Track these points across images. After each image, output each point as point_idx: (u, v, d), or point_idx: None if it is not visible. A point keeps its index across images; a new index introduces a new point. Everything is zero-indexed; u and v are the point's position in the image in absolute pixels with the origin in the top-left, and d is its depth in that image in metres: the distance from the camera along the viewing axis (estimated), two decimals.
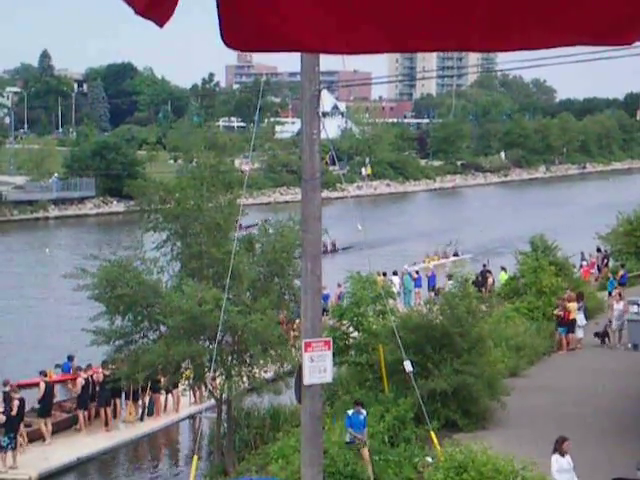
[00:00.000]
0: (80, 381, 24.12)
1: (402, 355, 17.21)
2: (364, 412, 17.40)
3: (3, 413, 20.77)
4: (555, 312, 28.02)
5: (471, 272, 27.60)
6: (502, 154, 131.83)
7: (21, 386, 24.97)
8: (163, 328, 19.70)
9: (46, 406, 22.97)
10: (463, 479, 14.05)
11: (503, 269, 37.06)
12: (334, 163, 70.78)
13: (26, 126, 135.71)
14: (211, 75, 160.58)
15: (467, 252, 50.89)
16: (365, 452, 16.77)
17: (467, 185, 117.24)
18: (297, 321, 21.66)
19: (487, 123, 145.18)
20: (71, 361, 26.71)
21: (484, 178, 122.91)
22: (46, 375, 23.50)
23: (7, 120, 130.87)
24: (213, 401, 21.06)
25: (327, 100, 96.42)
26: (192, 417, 25.38)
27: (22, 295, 42.63)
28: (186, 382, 21.74)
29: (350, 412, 17.31)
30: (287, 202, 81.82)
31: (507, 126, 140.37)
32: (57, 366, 27.79)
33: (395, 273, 37.74)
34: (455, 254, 39.34)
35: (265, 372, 20.44)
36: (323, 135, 14.91)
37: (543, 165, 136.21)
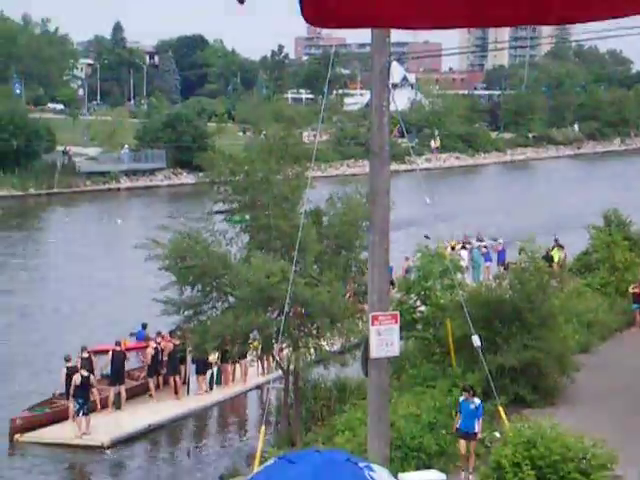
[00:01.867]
0: (150, 350, 24.53)
1: (470, 330, 17.05)
2: (477, 401, 16.46)
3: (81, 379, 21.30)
4: (630, 289, 27.53)
5: (542, 247, 27.18)
6: (575, 126, 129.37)
7: (97, 352, 25.51)
8: (231, 299, 19.84)
9: (117, 374, 23.40)
10: (531, 455, 13.91)
11: (560, 246, 35.88)
12: (403, 135, 70.12)
13: (99, 98, 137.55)
14: (280, 47, 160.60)
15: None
16: (473, 445, 16.26)
17: (539, 158, 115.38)
18: (364, 294, 21.64)
19: (560, 95, 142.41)
20: (145, 329, 27.13)
21: (556, 151, 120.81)
22: (119, 344, 23.91)
23: (80, 92, 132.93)
24: (280, 372, 21.19)
25: (397, 72, 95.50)
26: (259, 388, 25.62)
27: (97, 266, 43.38)
28: (254, 353, 21.92)
29: (461, 398, 16.63)
30: (355, 175, 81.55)
31: (581, 98, 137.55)
32: (132, 334, 28.34)
33: (464, 247, 37.40)
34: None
35: (332, 344, 20.48)
36: (392, 107, 14.78)
37: (618, 138, 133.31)
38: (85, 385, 21.45)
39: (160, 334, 24.87)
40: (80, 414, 21.36)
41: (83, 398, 21.40)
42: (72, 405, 21.92)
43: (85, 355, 22.60)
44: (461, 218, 56.59)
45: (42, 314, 33.99)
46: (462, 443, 16.36)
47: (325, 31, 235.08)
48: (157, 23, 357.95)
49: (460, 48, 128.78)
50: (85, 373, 21.58)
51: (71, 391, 21.84)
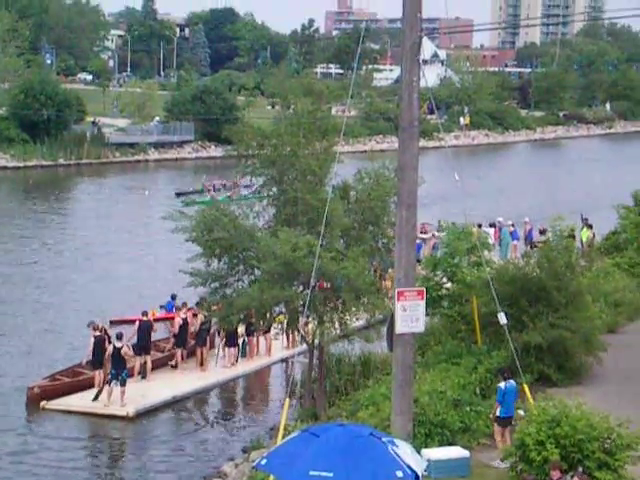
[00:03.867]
0: (178, 320, 24.65)
1: (497, 307, 16.97)
2: (512, 382, 16.20)
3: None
4: None
5: (569, 226, 26.97)
6: (607, 105, 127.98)
7: (124, 322, 25.64)
8: (257, 272, 19.86)
9: (143, 344, 23.55)
10: (556, 433, 13.85)
11: (589, 226, 35.41)
12: (432, 112, 69.72)
13: (129, 69, 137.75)
14: (311, 21, 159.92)
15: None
16: (510, 430, 15.88)
17: (569, 137, 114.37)
18: (390, 270, 21.59)
19: (592, 73, 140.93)
20: (174, 300, 27.25)
21: (587, 130, 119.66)
22: (146, 314, 24.07)
23: (111, 63, 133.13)
24: (305, 346, 21.24)
25: (427, 47, 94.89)
26: (284, 361, 25.70)
27: (126, 237, 43.62)
28: (279, 326, 21.98)
29: (502, 385, 16.13)
30: (383, 151, 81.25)
31: (613, 77, 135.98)
32: (161, 307, 28.50)
33: (492, 225, 37.22)
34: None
35: (357, 319, 20.48)
36: (422, 83, 14.65)
37: None
38: (118, 355, 21.60)
39: (185, 305, 24.99)
40: (113, 384, 21.52)
41: (116, 368, 21.56)
42: (98, 374, 22.13)
43: (107, 326, 22.76)
44: (489, 195, 56.28)
45: (71, 285, 34.25)
46: (500, 430, 16.21)
47: (356, 5, 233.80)
48: None
49: (492, 24, 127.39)
50: (118, 344, 21.73)
51: (105, 360, 22.03)
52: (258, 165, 20.89)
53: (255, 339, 25.66)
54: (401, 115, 14.68)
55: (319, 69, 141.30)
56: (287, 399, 16.44)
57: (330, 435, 11.38)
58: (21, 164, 68.74)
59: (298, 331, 20.95)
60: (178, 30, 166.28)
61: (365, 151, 79.56)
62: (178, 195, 53.94)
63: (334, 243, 19.53)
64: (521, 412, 16.40)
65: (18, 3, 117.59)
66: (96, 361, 22.32)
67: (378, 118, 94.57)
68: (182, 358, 24.54)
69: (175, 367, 24.41)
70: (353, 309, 19.74)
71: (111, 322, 26.65)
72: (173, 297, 27.40)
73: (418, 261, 19.59)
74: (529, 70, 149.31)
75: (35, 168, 68.31)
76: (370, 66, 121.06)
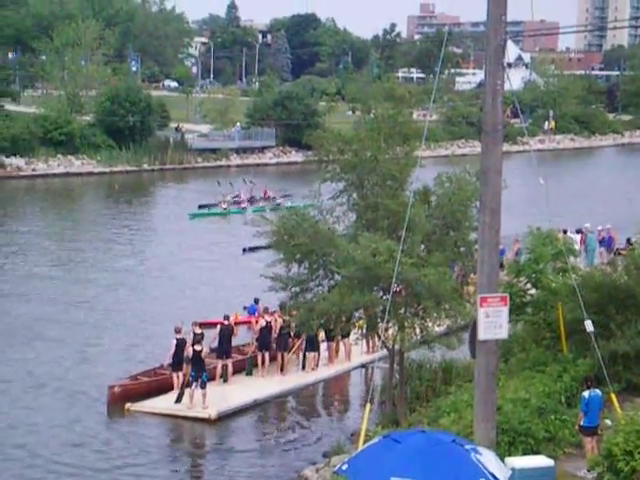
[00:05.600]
0: (260, 325, 24.76)
1: (583, 314, 16.59)
2: (597, 391, 15.77)
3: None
4: None
5: None
6: None
7: (206, 325, 25.94)
8: (338, 277, 19.82)
9: (224, 347, 23.73)
10: None
11: None
12: (516, 116, 69.01)
13: (212, 76, 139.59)
14: (393, 25, 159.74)
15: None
16: (597, 439, 15.50)
17: None
18: (472, 275, 21.32)
19: None
20: (257, 304, 27.41)
21: None
22: (228, 318, 24.24)
23: (194, 70, 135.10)
24: (385, 351, 21.11)
25: (511, 51, 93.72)
26: (364, 366, 25.61)
27: (206, 242, 44.14)
28: (359, 331, 21.90)
29: (586, 394, 15.71)
30: (464, 155, 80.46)
31: None
32: (245, 308, 28.74)
33: (579, 231, 36.58)
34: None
35: (438, 325, 20.27)
36: (506, 86, 14.44)
37: None
38: (198, 358, 21.82)
39: (267, 310, 25.09)
40: (193, 386, 21.74)
41: (196, 371, 21.78)
42: (177, 376, 22.39)
43: (197, 330, 22.98)
44: (575, 201, 55.26)
45: (155, 285, 34.79)
46: (589, 440, 15.82)
47: (439, 9, 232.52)
48: (270, 2, 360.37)
49: (578, 27, 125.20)
50: (198, 347, 21.94)
51: (185, 363, 22.27)
52: (338, 170, 20.85)
53: (335, 344, 25.64)
54: (485, 119, 14.48)
55: (400, 73, 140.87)
56: (368, 404, 16.33)
57: (412, 441, 11.27)
58: (107, 169, 70.23)
59: (378, 336, 20.84)
60: (260, 36, 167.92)
61: (446, 155, 78.78)
62: (200, 208, 52.58)
63: (415, 248, 19.36)
64: (608, 422, 16.02)
65: (105, 12, 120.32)
66: (176, 363, 22.58)
67: (460, 122, 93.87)
68: (263, 362, 24.64)
69: (255, 368, 24.43)
70: (434, 315, 19.54)
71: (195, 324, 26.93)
72: (256, 301, 27.55)
73: (501, 266, 19.30)
74: (617, 73, 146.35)
75: (120, 173, 69.70)
76: (452, 70, 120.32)
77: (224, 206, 51.68)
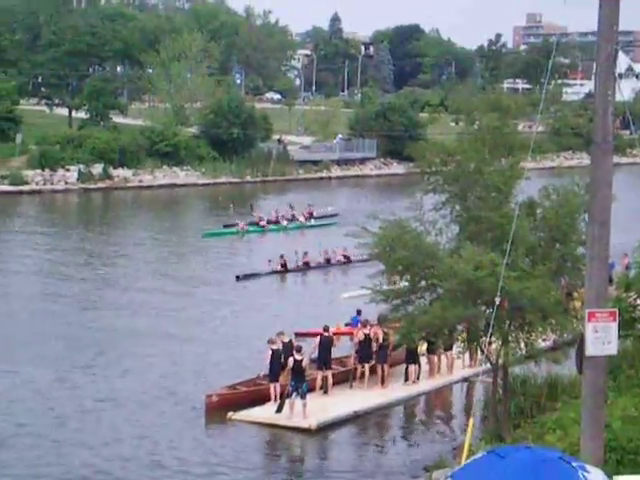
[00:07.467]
0: (360, 336, 24.67)
1: None
2: None
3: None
4: None
5: None
6: None
7: (306, 335, 25.95)
8: (440, 290, 19.62)
9: (324, 358, 23.73)
10: None
11: None
12: (626, 127, 67.29)
13: (314, 88, 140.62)
14: (498, 36, 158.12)
15: None
16: None
17: None
18: (578, 290, 20.81)
19: None
20: (359, 315, 27.34)
21: None
22: (327, 329, 24.26)
23: (297, 82, 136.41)
24: (488, 365, 20.78)
25: (622, 61, 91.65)
26: (466, 380, 25.28)
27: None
28: (461, 345, 21.62)
29: None
30: (571, 167, 78.92)
31: None
32: (346, 325, 28.62)
33: None
34: None
35: (544, 340, 19.84)
36: (617, 97, 14.08)
37: None
38: (298, 368, 21.88)
39: (367, 322, 24.99)
40: (293, 396, 21.81)
41: (296, 381, 21.85)
42: (274, 387, 22.49)
43: (286, 340, 23.07)
44: None
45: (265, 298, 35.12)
46: None
47: (545, 20, 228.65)
48: (374, 13, 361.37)
49: None
50: (299, 357, 22.01)
51: (285, 373, 22.37)
52: (441, 182, 20.66)
53: (436, 357, 25.39)
54: (594, 130, 14.13)
55: (506, 84, 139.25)
56: (472, 418, 16.08)
57: (517, 457, 11.02)
58: (211, 181, 71.47)
59: (481, 350, 20.54)
60: (363, 48, 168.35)
61: (553, 167, 77.72)
62: (225, 227, 50.67)
63: (519, 261, 19.01)
64: None
65: (210, 25, 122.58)
66: (272, 374, 22.69)
67: (567, 134, 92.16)
68: (363, 374, 24.55)
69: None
70: (539, 329, 19.14)
71: (296, 334, 27.03)
72: (359, 312, 27.48)
73: (610, 281, 18.77)
74: None
75: (224, 185, 70.76)
76: (560, 80, 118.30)
77: (242, 226, 49.64)
